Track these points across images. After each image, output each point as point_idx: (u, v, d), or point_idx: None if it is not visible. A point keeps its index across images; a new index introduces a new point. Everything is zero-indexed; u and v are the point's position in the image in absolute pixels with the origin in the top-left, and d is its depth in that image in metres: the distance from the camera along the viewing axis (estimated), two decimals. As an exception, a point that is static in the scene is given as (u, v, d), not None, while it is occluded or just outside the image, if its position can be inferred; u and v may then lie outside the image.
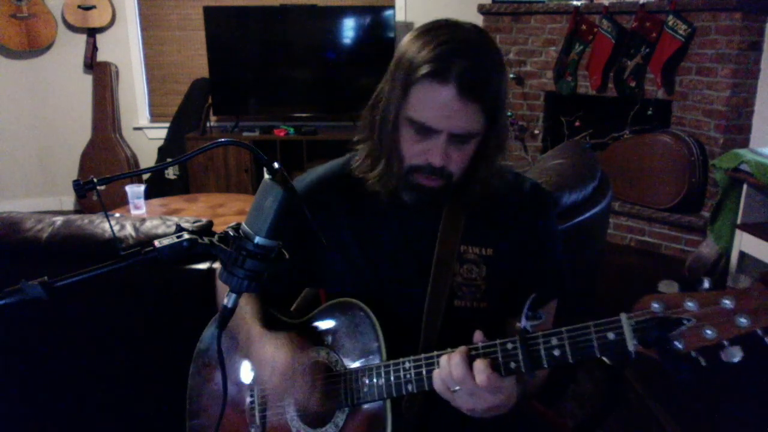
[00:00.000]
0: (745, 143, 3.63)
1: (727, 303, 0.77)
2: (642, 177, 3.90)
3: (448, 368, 0.94)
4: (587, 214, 1.93)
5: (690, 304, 0.79)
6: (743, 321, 0.76)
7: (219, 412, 0.96)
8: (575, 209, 1.91)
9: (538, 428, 1.24)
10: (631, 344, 0.82)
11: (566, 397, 2.21)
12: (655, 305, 0.81)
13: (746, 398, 2.31)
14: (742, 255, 3.00)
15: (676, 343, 0.80)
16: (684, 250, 3.79)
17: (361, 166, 1.15)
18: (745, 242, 2.97)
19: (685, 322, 0.79)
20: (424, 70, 0.99)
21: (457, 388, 0.93)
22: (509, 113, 4.43)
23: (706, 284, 0.80)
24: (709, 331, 0.77)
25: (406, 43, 1.05)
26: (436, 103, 1.00)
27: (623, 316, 0.84)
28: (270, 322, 1.19)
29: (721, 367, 0.79)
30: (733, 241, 3.06)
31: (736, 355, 0.76)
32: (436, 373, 0.96)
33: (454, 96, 0.98)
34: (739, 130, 3.64)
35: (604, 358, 0.86)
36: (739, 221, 3.05)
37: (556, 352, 0.89)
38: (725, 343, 0.77)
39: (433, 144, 1.03)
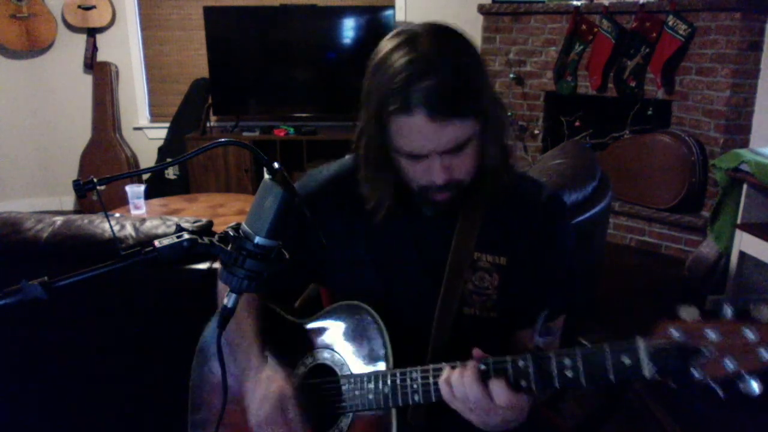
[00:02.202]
0: (745, 143, 3.63)
1: (750, 335, 0.74)
2: (642, 177, 3.90)
3: (464, 389, 0.91)
4: (587, 214, 1.93)
5: (711, 333, 0.76)
6: (766, 354, 0.73)
7: (220, 408, 0.95)
8: (575, 209, 1.91)
9: (538, 428, 1.24)
10: (647, 370, 0.79)
11: (566, 397, 2.21)
12: (674, 332, 0.78)
13: (746, 398, 2.31)
14: (742, 255, 3.00)
15: (694, 372, 0.77)
16: (684, 250, 3.79)
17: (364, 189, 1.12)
18: (745, 242, 2.97)
19: (704, 351, 0.76)
20: (390, 107, 0.97)
21: (472, 407, 0.92)
22: (509, 113, 4.43)
23: (729, 312, 0.77)
24: (729, 363, 0.75)
25: (369, 73, 1.03)
26: (412, 134, 0.98)
27: (640, 341, 0.81)
28: (272, 329, 1.18)
29: (738, 398, 0.77)
30: (733, 241, 3.06)
31: (755, 387, 0.74)
32: (445, 388, 0.94)
33: (426, 121, 0.96)
34: (739, 130, 3.64)
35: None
36: (739, 221, 3.04)
37: (569, 374, 0.87)
38: (745, 374, 0.75)
39: (428, 165, 1.01)
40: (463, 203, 1.12)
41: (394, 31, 1.04)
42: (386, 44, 1.02)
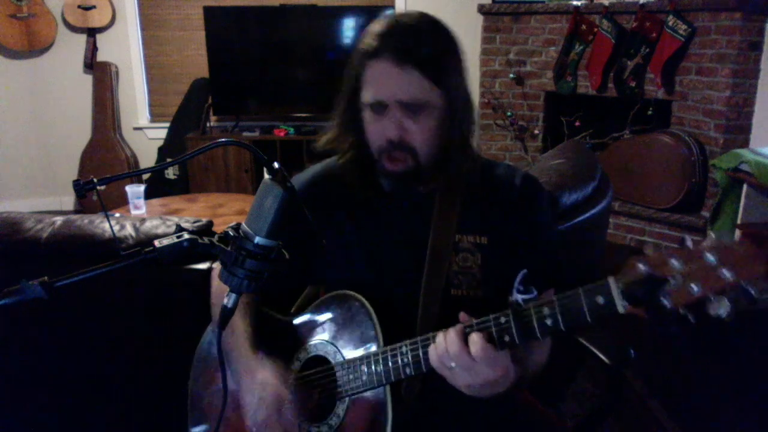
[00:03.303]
0: (745, 143, 3.63)
1: (711, 257, 0.77)
2: (642, 177, 3.90)
3: (444, 344, 0.95)
4: (587, 214, 1.93)
5: (674, 262, 0.79)
6: (727, 273, 0.76)
7: (219, 413, 0.96)
8: (575, 209, 1.91)
9: (538, 428, 1.24)
10: (620, 306, 0.83)
11: (566, 397, 2.21)
12: (641, 266, 0.82)
13: (746, 398, 2.31)
14: (742, 255, 3.00)
15: (664, 300, 0.80)
16: (684, 250, 3.78)
17: (340, 163, 1.22)
18: (745, 242, 2.96)
19: (670, 279, 0.79)
20: (363, 52, 1.09)
21: (453, 364, 0.94)
22: (508, 113, 4.43)
23: (689, 243, 0.80)
24: (694, 287, 0.78)
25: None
26: (377, 77, 1.08)
27: (611, 279, 0.85)
28: (265, 330, 1.20)
29: (711, 322, 0.79)
30: (733, 241, 3.06)
31: (722, 308, 0.76)
32: (432, 350, 0.97)
33: (391, 64, 1.06)
34: (739, 130, 3.64)
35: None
36: (739, 221, 3.05)
37: (549, 321, 0.90)
38: (711, 297, 0.77)
39: (387, 119, 1.09)
40: (432, 191, 1.17)
41: None
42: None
